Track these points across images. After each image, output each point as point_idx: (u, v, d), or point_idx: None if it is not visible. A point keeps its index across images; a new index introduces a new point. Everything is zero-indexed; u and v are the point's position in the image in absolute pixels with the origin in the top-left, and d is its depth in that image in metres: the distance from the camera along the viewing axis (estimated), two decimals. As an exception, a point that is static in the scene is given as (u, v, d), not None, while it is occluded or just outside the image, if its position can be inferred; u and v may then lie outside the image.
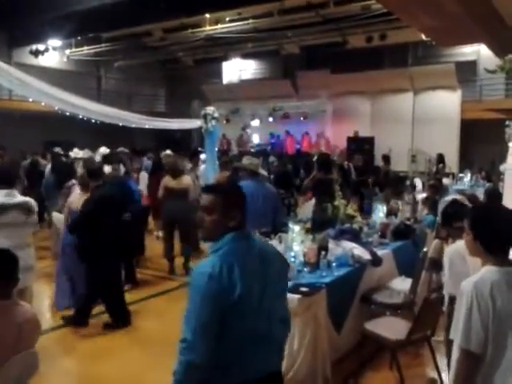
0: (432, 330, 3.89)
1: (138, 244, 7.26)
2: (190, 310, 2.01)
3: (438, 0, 5.11)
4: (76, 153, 9.74)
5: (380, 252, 4.90)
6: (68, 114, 11.75)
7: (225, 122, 18.18)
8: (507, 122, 4.77)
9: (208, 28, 15.39)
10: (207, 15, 14.73)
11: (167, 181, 7.38)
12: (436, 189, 8.07)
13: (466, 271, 2.96)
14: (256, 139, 19.98)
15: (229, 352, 2.05)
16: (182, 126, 15.66)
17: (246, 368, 2.08)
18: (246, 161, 5.75)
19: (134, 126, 14.28)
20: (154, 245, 8.30)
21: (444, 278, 3.36)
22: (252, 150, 17.45)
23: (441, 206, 5.37)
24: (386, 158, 12.42)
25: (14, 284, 2.78)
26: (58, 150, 11.31)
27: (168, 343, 4.65)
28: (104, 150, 11.04)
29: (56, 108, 11.48)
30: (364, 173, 10.52)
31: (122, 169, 8.06)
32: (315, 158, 8.46)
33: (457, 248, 3.25)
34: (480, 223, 2.35)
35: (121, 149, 11.38)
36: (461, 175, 13.04)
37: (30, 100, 11.63)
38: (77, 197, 5.70)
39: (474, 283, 2.17)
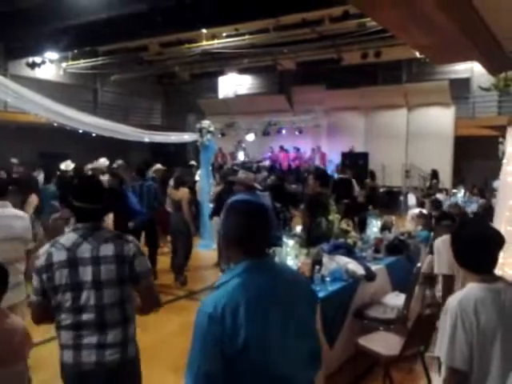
0: (425, 346, 3.88)
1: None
2: (192, 353, 1.74)
3: (432, 18, 5.17)
4: (67, 165, 9.71)
5: (374, 267, 4.91)
6: (66, 127, 11.79)
7: (220, 135, 18.24)
8: (500, 139, 4.82)
9: (204, 43, 15.49)
10: (204, 30, 14.85)
11: (170, 191, 7.80)
12: (436, 205, 8.12)
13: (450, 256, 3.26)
14: (241, 157, 19.75)
15: None
16: (180, 140, 15.71)
17: None
18: (241, 175, 5.81)
19: (131, 139, 14.32)
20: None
21: (435, 269, 4.08)
22: (235, 168, 17.31)
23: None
24: (372, 174, 12.52)
25: (2, 294, 2.72)
26: (14, 160, 11.18)
27: (154, 357, 4.63)
28: (104, 161, 11.01)
29: (51, 121, 11.50)
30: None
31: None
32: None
33: (443, 239, 3.94)
34: (456, 246, 2.37)
35: (119, 162, 11.31)
36: (454, 191, 13.11)
37: (26, 112, 11.64)
38: None
39: (459, 301, 2.18)
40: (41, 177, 9.30)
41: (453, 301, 2.21)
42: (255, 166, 17.79)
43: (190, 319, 5.37)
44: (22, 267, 3.79)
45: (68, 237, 2.48)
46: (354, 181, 9.88)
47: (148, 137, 14.99)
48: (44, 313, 2.48)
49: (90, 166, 10.88)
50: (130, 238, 2.56)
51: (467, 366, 2.12)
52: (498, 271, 2.77)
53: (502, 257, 2.78)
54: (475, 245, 2.28)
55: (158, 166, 10.18)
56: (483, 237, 2.30)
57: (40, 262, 2.43)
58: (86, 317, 2.39)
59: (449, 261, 3.54)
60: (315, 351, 1.96)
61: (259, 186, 5.59)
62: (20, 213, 3.92)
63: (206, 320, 1.72)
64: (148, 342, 5.11)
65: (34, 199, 6.90)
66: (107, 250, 2.43)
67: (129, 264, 2.44)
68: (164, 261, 8.31)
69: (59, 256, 2.41)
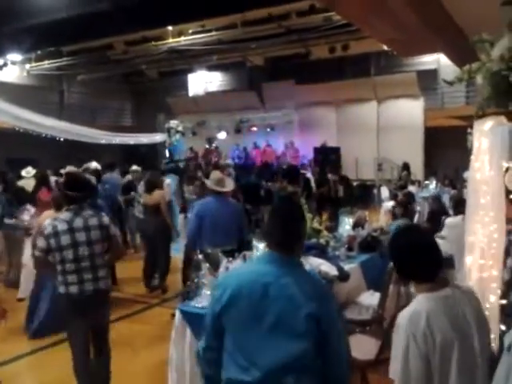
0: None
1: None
2: None
3: (396, 11, 5.12)
4: (28, 172, 9.39)
5: (347, 266, 4.83)
6: (32, 132, 11.47)
7: (191, 135, 18.01)
8: (469, 130, 4.78)
9: (171, 40, 15.22)
10: (170, 27, 14.58)
11: (143, 197, 7.55)
12: (408, 197, 8.12)
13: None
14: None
15: (225, 354, 2.17)
16: (152, 141, 15.47)
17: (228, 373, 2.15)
18: (211, 176, 5.66)
19: (100, 142, 14.03)
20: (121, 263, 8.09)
21: None
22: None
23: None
24: (333, 169, 12.54)
25: None
26: None
27: (123, 372, 4.45)
28: (96, 165, 10.77)
29: (14, 126, 11.14)
30: (321, 185, 10.54)
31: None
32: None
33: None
34: (395, 258, 2.28)
35: (94, 164, 11.00)
36: (426, 182, 13.20)
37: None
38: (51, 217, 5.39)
39: (409, 316, 2.07)
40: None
41: (403, 318, 2.09)
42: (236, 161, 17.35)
43: (160, 330, 5.18)
44: None
45: (65, 214, 3.76)
46: (311, 178, 9.81)
47: (118, 139, 14.72)
48: (45, 265, 3.82)
49: (62, 171, 10.60)
50: (103, 213, 4.03)
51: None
52: (469, 274, 2.70)
53: (470, 260, 2.71)
54: (414, 254, 2.17)
55: (135, 167, 10.28)
56: (420, 244, 2.20)
57: (48, 230, 3.64)
58: (84, 263, 3.71)
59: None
60: (295, 354, 2.05)
61: (227, 188, 5.38)
62: None
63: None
64: (117, 357, 4.95)
65: None
66: (93, 221, 3.79)
67: (106, 229, 3.85)
68: (132, 267, 8.10)
69: (62, 226, 3.67)
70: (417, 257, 2.16)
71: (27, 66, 18.56)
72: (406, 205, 7.03)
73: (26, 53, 16.71)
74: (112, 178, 10.42)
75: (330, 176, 12.03)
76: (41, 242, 3.70)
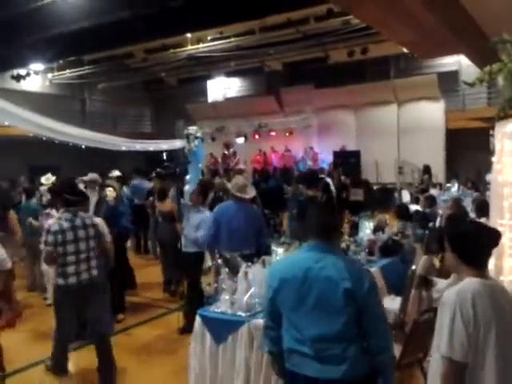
0: (424, 353, 3.75)
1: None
2: None
3: (413, 12, 5.08)
4: (47, 178, 9.50)
5: (368, 270, 4.77)
6: (55, 140, 11.65)
7: (210, 140, 18.09)
8: (491, 132, 4.70)
9: (190, 47, 15.36)
10: (188, 35, 14.71)
11: (157, 204, 7.80)
12: (430, 201, 7.97)
13: None
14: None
15: (284, 331, 2.53)
16: (172, 147, 15.54)
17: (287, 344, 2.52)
18: (236, 180, 5.61)
19: (121, 148, 14.15)
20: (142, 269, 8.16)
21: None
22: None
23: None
24: (346, 171, 12.40)
25: None
26: None
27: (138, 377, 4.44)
28: (117, 173, 10.86)
29: (37, 134, 11.32)
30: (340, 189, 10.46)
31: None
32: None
33: None
34: (459, 238, 2.37)
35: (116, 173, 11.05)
36: (448, 185, 13.02)
37: (6, 124, 11.44)
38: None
39: (457, 292, 2.19)
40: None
41: (451, 293, 2.21)
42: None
43: (180, 335, 5.17)
44: None
45: (66, 215, 4.31)
46: (330, 182, 9.76)
47: (138, 146, 14.84)
48: (52, 257, 4.22)
49: (85, 178, 10.75)
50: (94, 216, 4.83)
51: (466, 357, 2.12)
52: (498, 275, 2.66)
53: (493, 264, 2.67)
54: (477, 238, 2.31)
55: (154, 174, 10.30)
56: (485, 231, 2.37)
57: (54, 227, 4.18)
58: (81, 256, 4.28)
59: None
60: (337, 327, 2.36)
61: (249, 195, 5.29)
62: None
63: None
64: (137, 362, 4.99)
65: (13, 216, 6.74)
66: (88, 221, 4.41)
67: (96, 228, 4.46)
68: (153, 272, 8.15)
69: (67, 224, 4.24)
70: (482, 242, 2.31)
71: (49, 75, 18.96)
72: (402, 212, 6.94)
73: (48, 62, 17.07)
74: (141, 183, 10.45)
75: (342, 179, 11.93)
76: (50, 238, 4.18)
